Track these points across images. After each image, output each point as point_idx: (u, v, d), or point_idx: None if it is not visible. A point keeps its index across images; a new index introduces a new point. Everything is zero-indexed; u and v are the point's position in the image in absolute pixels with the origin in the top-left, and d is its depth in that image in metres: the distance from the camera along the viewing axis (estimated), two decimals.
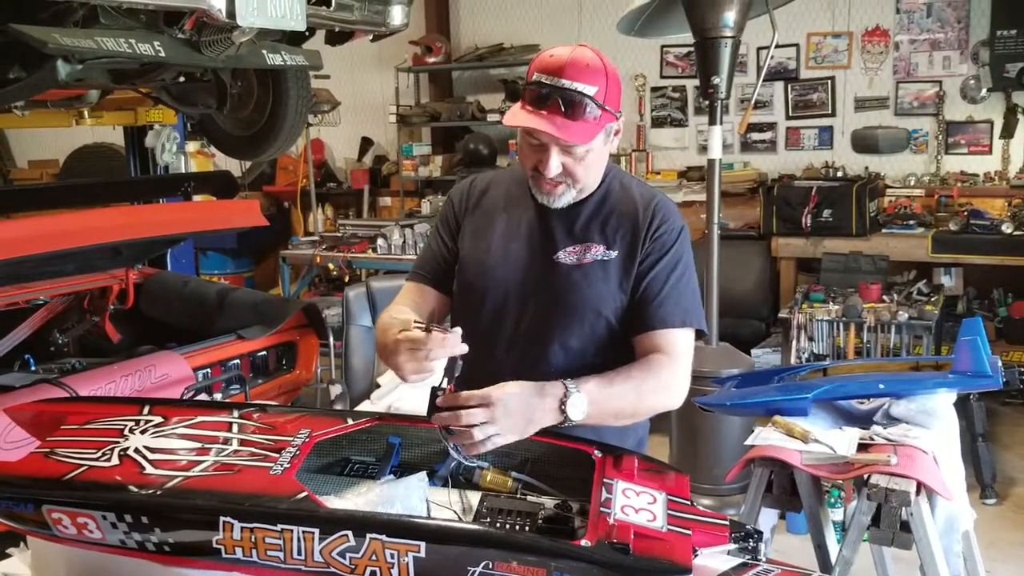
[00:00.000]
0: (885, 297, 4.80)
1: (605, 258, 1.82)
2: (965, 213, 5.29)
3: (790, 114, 6.36)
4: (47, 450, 1.55)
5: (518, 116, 1.72)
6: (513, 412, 1.54)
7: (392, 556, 1.32)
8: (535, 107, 1.70)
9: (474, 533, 1.40)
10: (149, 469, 1.46)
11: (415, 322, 1.60)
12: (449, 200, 2.01)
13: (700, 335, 1.87)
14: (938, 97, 5.89)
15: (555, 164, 1.73)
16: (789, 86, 6.31)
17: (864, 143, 6.04)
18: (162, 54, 2.82)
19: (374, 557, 1.32)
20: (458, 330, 1.54)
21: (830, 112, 6.24)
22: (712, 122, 3.74)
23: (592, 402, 1.62)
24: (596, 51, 1.74)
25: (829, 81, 6.21)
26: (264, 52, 3.19)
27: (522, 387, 1.58)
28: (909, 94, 6.01)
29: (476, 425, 1.50)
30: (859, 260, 5.25)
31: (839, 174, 5.93)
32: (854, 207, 5.34)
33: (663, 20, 3.92)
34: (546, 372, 1.75)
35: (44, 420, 1.74)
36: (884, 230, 5.51)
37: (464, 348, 1.54)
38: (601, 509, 1.44)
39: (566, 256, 1.82)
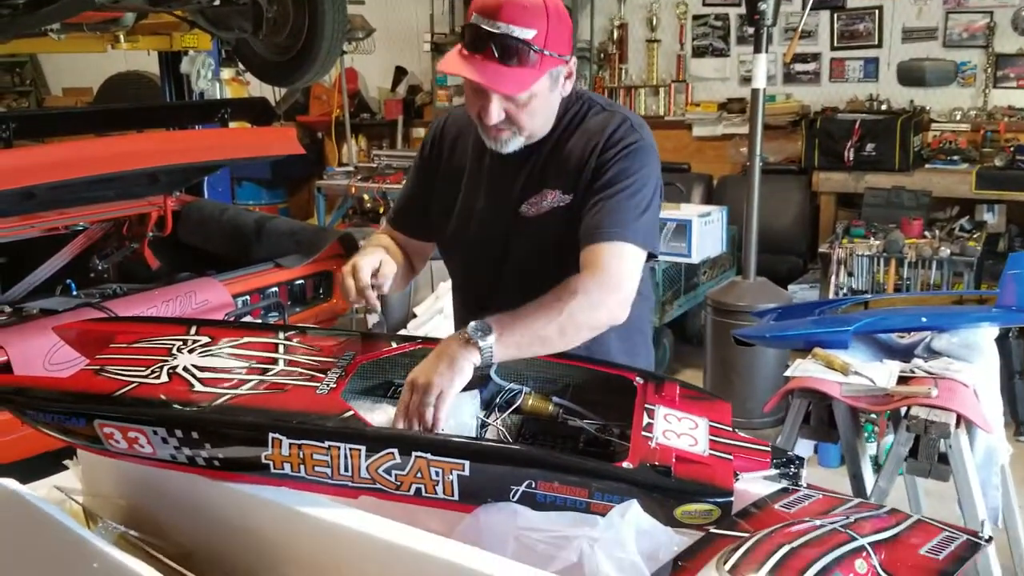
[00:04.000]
0: (927, 233, 4.74)
1: (560, 203, 1.74)
2: (1011, 149, 5.17)
3: (835, 45, 6.19)
4: (97, 367, 1.57)
5: (452, 63, 1.63)
6: (426, 369, 1.47)
7: (437, 474, 1.33)
8: (470, 51, 1.61)
9: (518, 453, 1.41)
10: (198, 387, 1.48)
11: (373, 284, 1.72)
12: (423, 145, 1.96)
13: (652, 258, 1.75)
14: (988, 28, 5.70)
15: (495, 112, 1.65)
16: (835, 15, 6.13)
17: (910, 75, 5.86)
18: None
19: (419, 474, 1.34)
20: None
21: (876, 43, 6.07)
22: (757, 50, 3.67)
23: (502, 327, 1.52)
24: None
25: (876, 11, 6.02)
26: None
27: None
28: (958, 25, 5.82)
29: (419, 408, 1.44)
30: (901, 195, 5.16)
31: (883, 107, 5.79)
32: (898, 142, 5.25)
33: None
34: None
35: (92, 339, 1.76)
36: (928, 165, 5.41)
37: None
38: (643, 433, 1.44)
39: (528, 208, 1.76)
